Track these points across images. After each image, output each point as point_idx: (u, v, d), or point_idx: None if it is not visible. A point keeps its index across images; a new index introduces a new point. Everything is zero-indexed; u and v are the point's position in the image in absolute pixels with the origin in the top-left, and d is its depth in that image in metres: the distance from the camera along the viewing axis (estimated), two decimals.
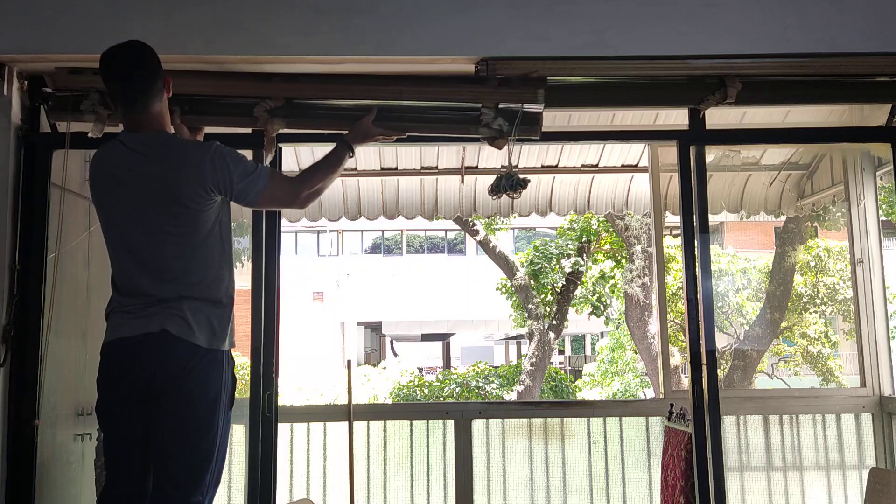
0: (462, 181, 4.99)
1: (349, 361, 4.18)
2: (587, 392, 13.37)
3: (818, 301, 10.27)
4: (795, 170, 4.88)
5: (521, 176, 3.00)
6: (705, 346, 3.09)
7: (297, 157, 4.69)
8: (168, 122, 2.38)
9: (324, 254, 22.65)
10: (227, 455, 3.46)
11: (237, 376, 2.34)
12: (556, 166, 4.92)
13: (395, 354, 22.65)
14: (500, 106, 2.90)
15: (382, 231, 23.07)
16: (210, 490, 2.18)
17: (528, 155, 4.83)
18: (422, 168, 4.80)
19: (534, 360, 10.53)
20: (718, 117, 3.47)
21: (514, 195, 2.87)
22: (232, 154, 2.33)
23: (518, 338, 20.06)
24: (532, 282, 11.39)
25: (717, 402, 3.08)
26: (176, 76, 2.53)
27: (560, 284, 11.43)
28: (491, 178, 4.94)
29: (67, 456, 3.13)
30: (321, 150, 4.65)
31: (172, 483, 2.10)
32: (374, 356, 23.52)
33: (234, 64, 2.96)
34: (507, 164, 3.04)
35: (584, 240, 11.59)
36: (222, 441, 2.23)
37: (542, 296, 11.34)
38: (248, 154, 3.06)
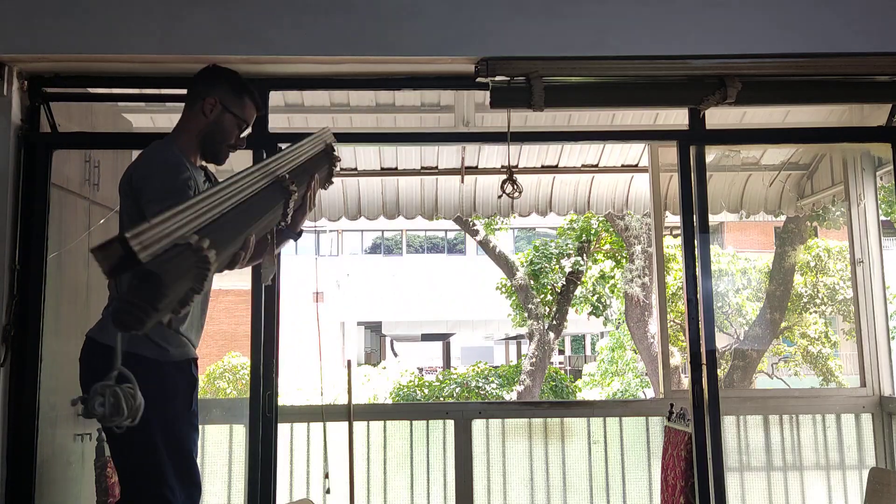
0: (462, 181, 5.00)
1: (349, 361, 4.18)
2: (587, 392, 13.36)
3: (818, 301, 10.28)
4: (795, 170, 4.88)
5: None
6: (705, 346, 3.09)
7: None
8: (183, 133, 2.29)
9: (324, 254, 22.64)
10: (228, 454, 3.49)
11: (197, 376, 2.28)
12: (556, 166, 4.93)
13: (395, 354, 22.64)
14: None
15: (382, 231, 23.07)
16: (185, 489, 2.14)
17: (529, 155, 4.83)
18: (422, 168, 4.80)
19: (534, 360, 10.53)
20: (718, 117, 3.47)
21: None
22: (167, 173, 2.11)
23: (518, 338, 20.05)
24: (532, 282, 11.39)
25: (717, 402, 3.08)
26: None
27: (560, 284, 11.43)
28: (491, 178, 5.01)
29: (67, 456, 3.12)
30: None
31: (144, 483, 2.12)
32: (374, 356, 23.52)
33: (234, 64, 2.95)
34: (506, 164, 3.00)
35: (584, 240, 11.59)
36: (180, 443, 2.16)
37: (542, 296, 11.34)
38: (247, 154, 3.07)
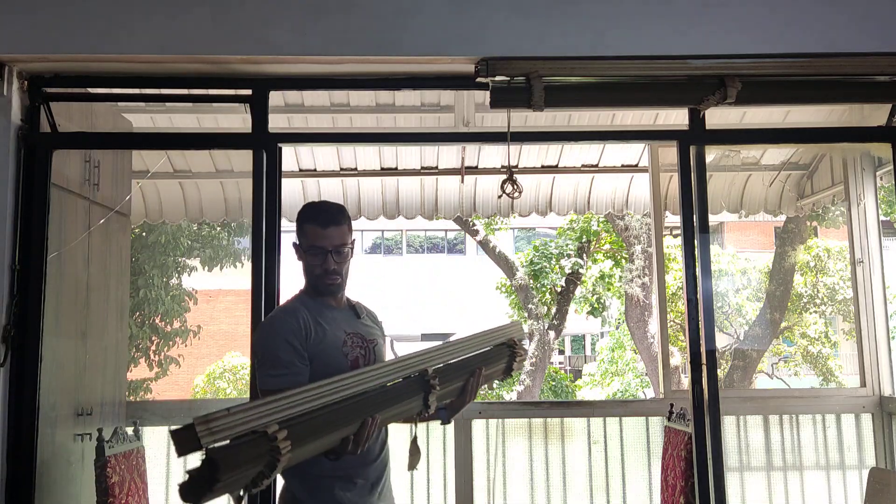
0: (462, 181, 5.00)
1: None
2: (587, 392, 13.37)
3: (818, 301, 10.29)
4: (795, 170, 4.88)
5: None
6: (705, 346, 3.09)
7: (297, 158, 4.70)
8: (304, 283, 2.32)
9: None
10: None
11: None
12: (556, 166, 4.92)
13: (395, 354, 22.61)
14: None
15: (382, 231, 23.06)
16: None
17: (529, 155, 4.83)
18: (422, 168, 4.80)
19: (534, 360, 10.53)
20: (718, 117, 3.47)
21: None
22: (277, 348, 2.10)
23: None
24: (532, 282, 11.39)
25: (717, 402, 3.08)
26: None
27: (560, 284, 11.43)
28: (491, 178, 5.01)
29: (67, 456, 3.12)
30: (320, 150, 4.70)
31: None
32: None
33: (234, 64, 2.96)
34: (506, 163, 3.00)
35: (584, 240, 11.59)
36: None
37: (542, 296, 11.34)
38: (247, 154, 3.08)
